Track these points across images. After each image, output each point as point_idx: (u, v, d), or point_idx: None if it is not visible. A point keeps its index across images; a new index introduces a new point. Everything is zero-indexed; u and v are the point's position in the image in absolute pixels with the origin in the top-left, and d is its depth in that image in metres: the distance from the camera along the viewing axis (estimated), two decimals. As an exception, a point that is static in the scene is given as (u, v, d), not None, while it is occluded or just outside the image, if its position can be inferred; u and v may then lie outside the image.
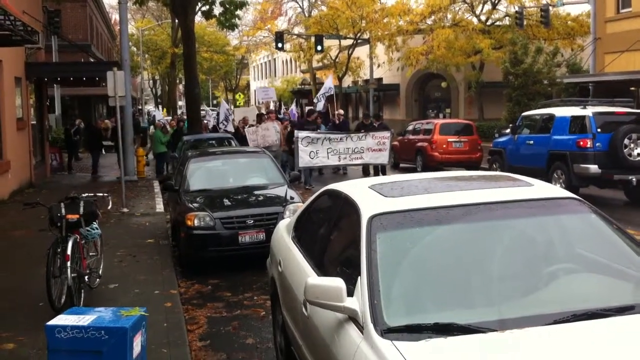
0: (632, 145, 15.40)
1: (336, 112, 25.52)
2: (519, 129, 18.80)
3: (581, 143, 15.81)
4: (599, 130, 15.64)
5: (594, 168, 15.56)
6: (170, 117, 48.34)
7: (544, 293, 4.08)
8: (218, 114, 27.09)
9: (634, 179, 15.25)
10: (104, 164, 25.57)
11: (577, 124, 16.26)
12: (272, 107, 34.58)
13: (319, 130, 20.10)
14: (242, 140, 20.43)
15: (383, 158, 19.17)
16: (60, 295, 7.68)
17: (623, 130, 15.41)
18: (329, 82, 26.02)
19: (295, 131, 19.10)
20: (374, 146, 18.89)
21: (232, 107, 42.98)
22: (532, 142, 17.80)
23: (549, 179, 15.70)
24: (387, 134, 19.35)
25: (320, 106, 24.67)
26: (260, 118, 22.48)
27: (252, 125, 21.51)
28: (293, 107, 30.47)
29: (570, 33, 37.63)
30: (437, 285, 4.08)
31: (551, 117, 17.36)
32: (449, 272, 4.19)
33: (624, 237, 4.54)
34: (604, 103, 17.55)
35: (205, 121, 28.45)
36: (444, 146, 23.05)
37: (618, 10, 26.61)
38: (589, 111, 16.07)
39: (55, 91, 30.70)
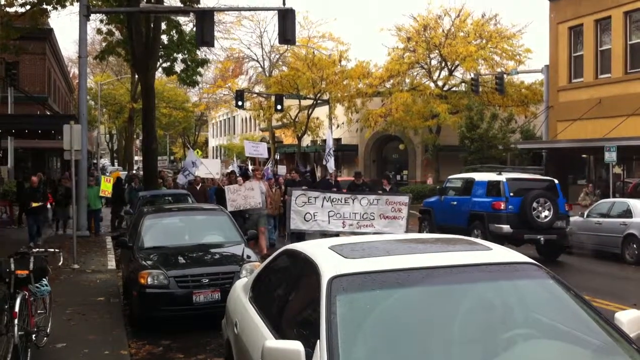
0: (540, 208, 17.07)
1: (331, 173, 22.80)
2: (446, 191, 20.41)
3: (495, 205, 17.50)
4: (511, 194, 17.35)
5: (506, 228, 17.13)
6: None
7: (504, 359, 4.06)
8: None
9: (541, 239, 16.97)
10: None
11: (493, 188, 18.01)
12: (235, 166, 32.84)
13: (304, 187, 17.36)
14: (200, 196, 19.79)
15: (400, 228, 15.80)
16: (6, 355, 7.35)
17: (532, 195, 17.08)
18: (330, 139, 23.62)
19: (289, 189, 16.78)
20: (389, 213, 15.79)
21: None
22: (455, 202, 19.38)
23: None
24: (405, 199, 16.23)
25: (331, 165, 22.37)
26: (230, 177, 20.84)
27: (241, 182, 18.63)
28: (269, 165, 29.51)
29: (524, 101, 38.69)
30: (398, 350, 4.03)
31: (472, 181, 19.17)
32: (409, 336, 4.14)
33: (581, 304, 4.56)
34: (518, 170, 19.93)
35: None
36: None
37: (570, 80, 27.52)
38: (503, 177, 17.94)
39: (8, 143, 30.22)
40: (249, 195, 17.09)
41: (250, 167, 29.81)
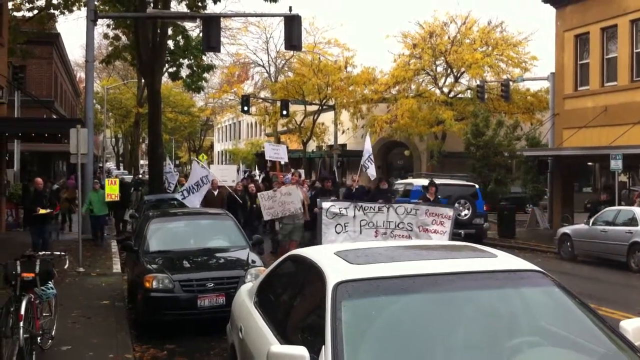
0: (460, 207, 21.02)
1: (354, 178, 21.71)
2: None
3: None
4: (439, 196, 19.88)
5: None
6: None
7: (509, 367, 4.06)
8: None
9: (462, 232, 19.06)
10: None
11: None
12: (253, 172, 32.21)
13: (333, 198, 15.94)
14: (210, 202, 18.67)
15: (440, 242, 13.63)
16: (11, 357, 7.38)
17: (455, 196, 21.20)
18: (368, 144, 22.03)
19: (318, 201, 14.87)
20: (429, 225, 13.87)
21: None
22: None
23: None
24: (449, 212, 14.11)
25: (372, 171, 21.19)
26: (252, 180, 19.86)
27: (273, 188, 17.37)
28: (289, 175, 28.92)
29: (530, 108, 38.61)
30: (403, 356, 4.02)
31: (411, 185, 23.53)
32: (414, 343, 4.14)
33: (586, 312, 4.55)
34: (446, 177, 24.45)
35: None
36: None
37: (576, 87, 27.46)
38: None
39: (15, 146, 30.30)
40: (287, 201, 15.87)
41: (267, 174, 29.86)
